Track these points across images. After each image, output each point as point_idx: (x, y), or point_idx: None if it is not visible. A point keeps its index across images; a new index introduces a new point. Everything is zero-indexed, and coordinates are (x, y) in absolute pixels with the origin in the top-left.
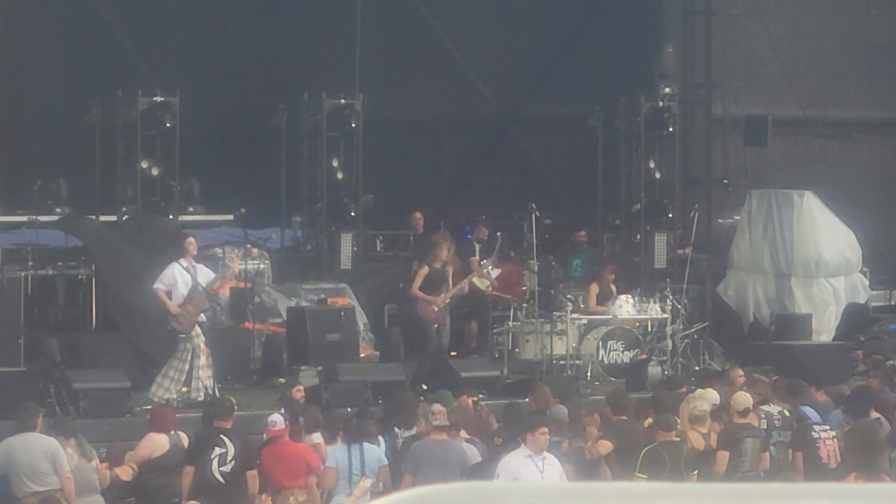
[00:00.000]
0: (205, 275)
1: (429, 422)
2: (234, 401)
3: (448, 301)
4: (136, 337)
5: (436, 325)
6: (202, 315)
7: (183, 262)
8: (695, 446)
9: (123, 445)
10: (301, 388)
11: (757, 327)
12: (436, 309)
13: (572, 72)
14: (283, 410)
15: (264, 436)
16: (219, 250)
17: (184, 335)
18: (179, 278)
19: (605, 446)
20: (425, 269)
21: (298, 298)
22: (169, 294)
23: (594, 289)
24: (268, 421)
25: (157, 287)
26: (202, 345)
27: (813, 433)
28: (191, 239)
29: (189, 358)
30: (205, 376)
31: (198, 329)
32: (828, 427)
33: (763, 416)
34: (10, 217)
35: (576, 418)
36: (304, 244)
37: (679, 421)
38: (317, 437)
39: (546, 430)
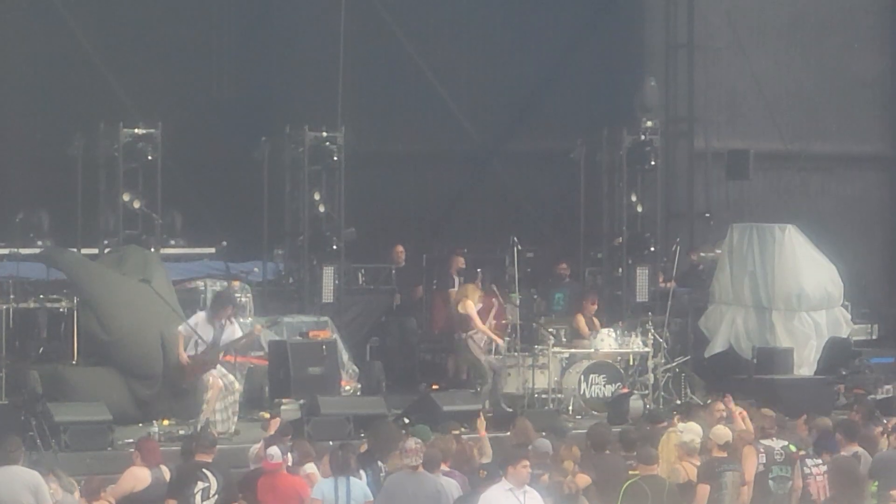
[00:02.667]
0: (230, 334)
1: (401, 457)
2: (215, 434)
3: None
4: (125, 365)
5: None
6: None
7: (213, 318)
8: (691, 478)
9: (100, 480)
10: (277, 419)
11: (729, 359)
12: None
13: (554, 105)
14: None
15: (250, 465)
16: (200, 283)
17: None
18: (202, 330)
19: (584, 480)
20: (471, 304)
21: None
22: (186, 341)
23: (581, 318)
24: (266, 454)
25: (179, 330)
26: (218, 379)
27: (805, 468)
28: (230, 308)
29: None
30: (208, 410)
31: (220, 370)
32: (820, 462)
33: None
34: None
35: (556, 451)
36: (285, 277)
37: (659, 455)
38: (310, 468)
39: (527, 463)
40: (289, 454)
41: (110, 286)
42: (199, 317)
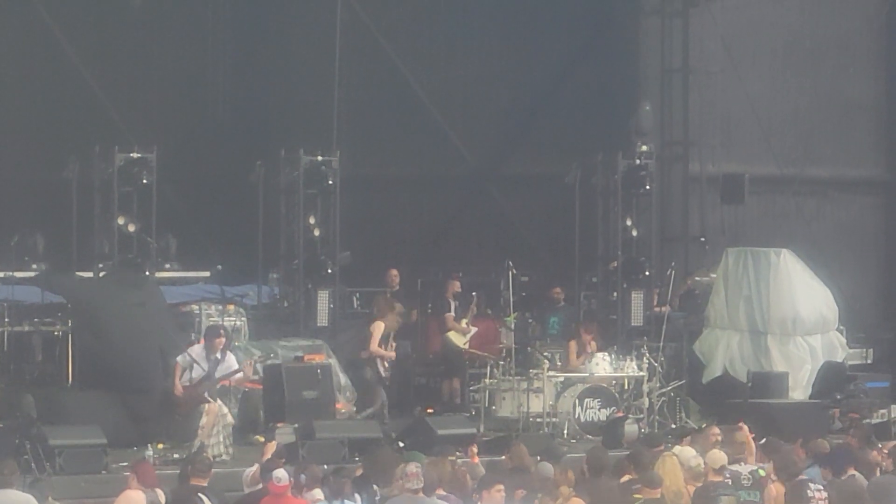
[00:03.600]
0: (227, 367)
1: (402, 482)
2: (211, 458)
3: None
4: (124, 378)
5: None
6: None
7: (207, 350)
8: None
9: None
10: (273, 443)
11: (730, 384)
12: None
13: (549, 129)
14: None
15: (245, 489)
16: (195, 307)
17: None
18: (196, 364)
19: None
20: (379, 325)
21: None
22: (184, 372)
23: (573, 346)
24: (272, 476)
25: (177, 360)
26: (215, 405)
27: (808, 491)
28: (222, 339)
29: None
30: (203, 435)
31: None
32: (821, 487)
33: (728, 475)
34: None
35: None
36: (280, 301)
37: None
38: (318, 493)
39: (501, 487)
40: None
41: (107, 302)
42: (196, 349)
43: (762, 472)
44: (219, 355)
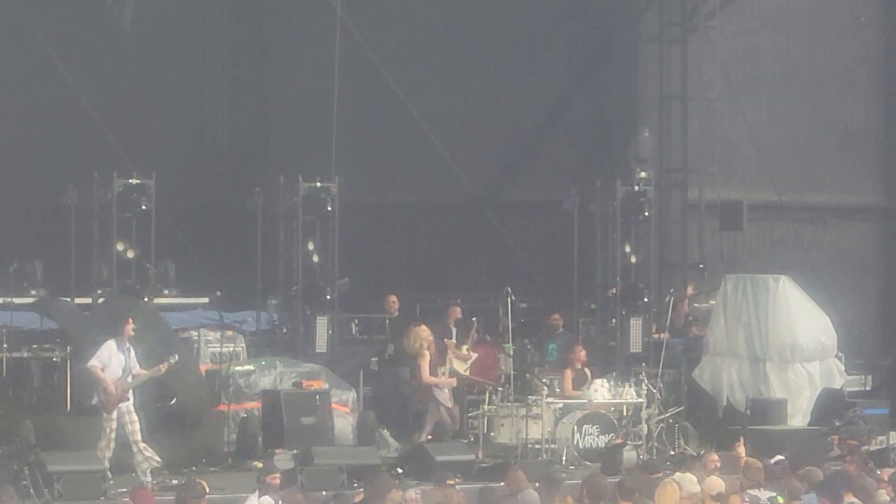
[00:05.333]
0: (134, 361)
1: None
2: (205, 484)
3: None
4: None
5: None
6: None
7: (119, 342)
8: None
9: None
10: (277, 475)
11: (731, 412)
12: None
13: (548, 156)
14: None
15: None
16: (194, 333)
17: (106, 414)
18: (114, 358)
19: None
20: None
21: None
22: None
23: (569, 374)
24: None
25: (93, 364)
26: (113, 429)
27: None
28: (130, 324)
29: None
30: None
31: (123, 409)
32: None
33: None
34: None
35: (550, 502)
36: (279, 327)
37: None
38: None
39: None
40: None
41: (103, 330)
42: (111, 345)
43: (780, 499)
44: (127, 345)
